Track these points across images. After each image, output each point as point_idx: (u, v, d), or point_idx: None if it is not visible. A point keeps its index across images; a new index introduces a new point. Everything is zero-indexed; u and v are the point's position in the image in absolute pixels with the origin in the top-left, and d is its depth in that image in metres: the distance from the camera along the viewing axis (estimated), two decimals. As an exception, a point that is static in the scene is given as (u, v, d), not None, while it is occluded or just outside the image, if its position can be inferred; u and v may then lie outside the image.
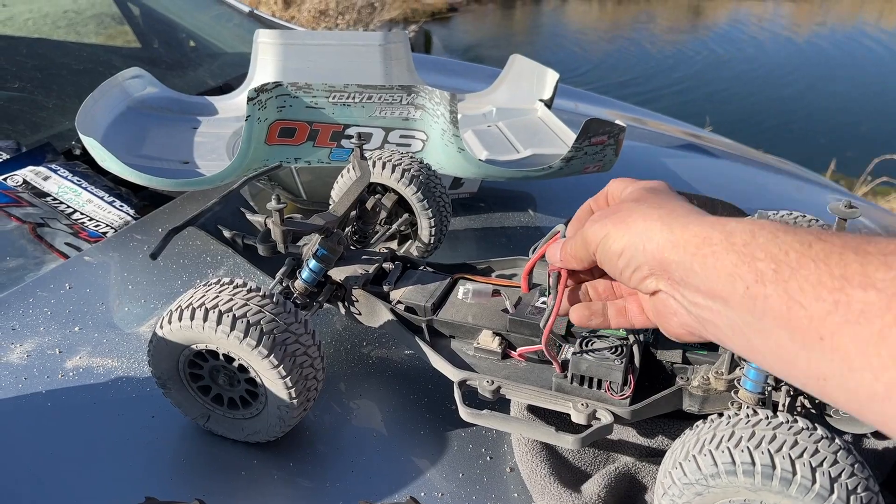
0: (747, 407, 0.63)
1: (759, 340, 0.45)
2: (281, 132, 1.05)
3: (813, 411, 0.68)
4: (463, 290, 0.79)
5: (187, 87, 1.48)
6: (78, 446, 0.74)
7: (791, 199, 1.47)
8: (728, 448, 0.55)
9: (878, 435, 0.70)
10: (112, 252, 1.02)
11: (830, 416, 0.65)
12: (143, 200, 1.15)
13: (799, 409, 0.67)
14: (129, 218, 1.08)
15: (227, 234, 0.86)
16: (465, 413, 0.68)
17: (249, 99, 0.99)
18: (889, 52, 7.01)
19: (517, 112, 1.35)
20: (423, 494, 0.71)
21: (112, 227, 1.07)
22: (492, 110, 1.35)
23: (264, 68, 1.30)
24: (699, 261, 0.48)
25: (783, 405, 0.65)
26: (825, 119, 5.32)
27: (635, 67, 6.66)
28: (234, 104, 1.33)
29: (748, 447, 0.54)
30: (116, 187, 1.13)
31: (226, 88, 1.54)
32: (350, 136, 1.07)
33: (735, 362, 0.67)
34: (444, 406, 0.81)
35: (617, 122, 1.10)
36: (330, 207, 1.01)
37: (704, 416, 0.70)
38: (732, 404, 0.66)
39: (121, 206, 1.10)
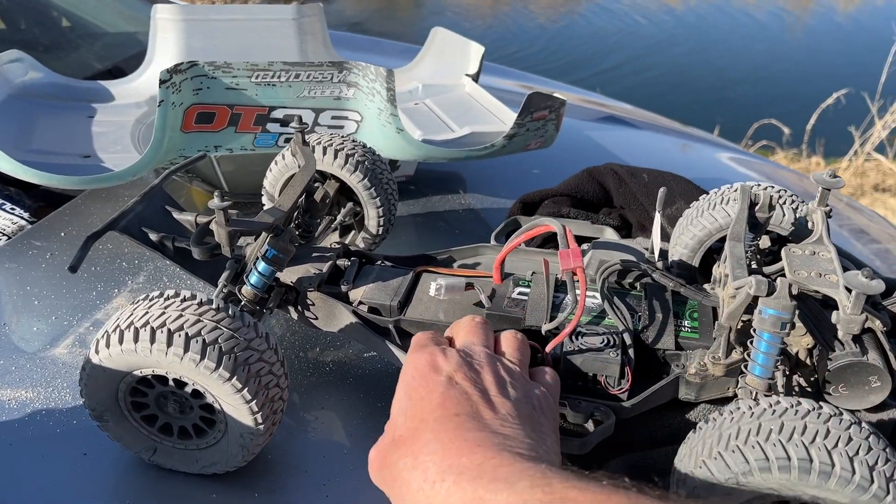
0: (756, 394, 0.60)
1: None
2: (198, 118, 0.94)
3: (809, 389, 0.65)
4: (435, 285, 0.72)
5: (71, 72, 1.32)
6: (-4, 498, 0.62)
7: (719, 168, 1.48)
8: (758, 443, 0.51)
9: (870, 410, 0.68)
10: (8, 262, 0.89)
11: (829, 395, 0.63)
12: (37, 201, 1.01)
13: (796, 388, 0.65)
14: (23, 222, 0.95)
15: (153, 236, 0.75)
16: None
17: (162, 81, 0.87)
18: (757, 22, 7.36)
19: (444, 88, 1.28)
20: (408, 514, 0.64)
21: (4, 234, 0.93)
22: (417, 87, 1.28)
23: (165, 48, 1.17)
24: None
25: (781, 386, 0.62)
26: (704, 87, 5.52)
27: (520, 39, 6.69)
28: (132, 89, 1.19)
29: (780, 440, 0.50)
30: (5, 188, 0.99)
31: (116, 72, 1.39)
32: (277, 120, 0.97)
33: (731, 345, 0.64)
34: (415, 412, 0.74)
35: (556, 95, 1.05)
36: (263, 200, 0.92)
37: (694, 404, 0.67)
38: (740, 389, 0.62)
39: (12, 209, 0.96)
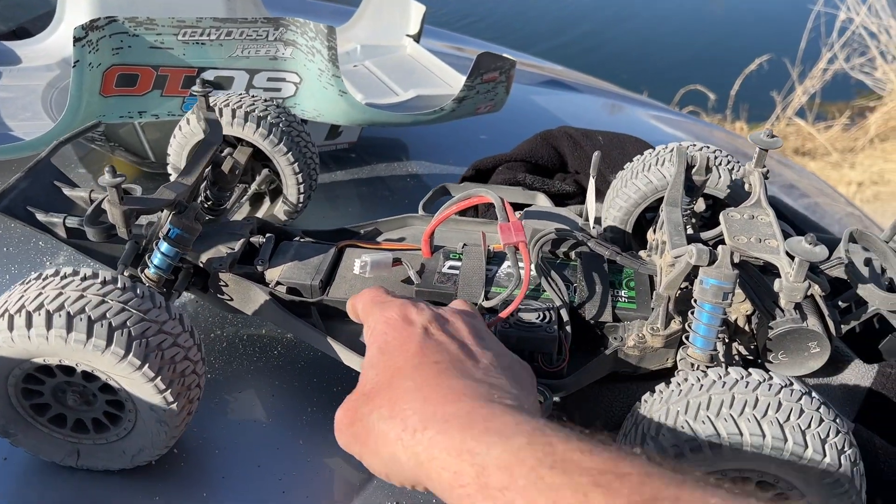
0: (698, 366, 0.57)
1: None
2: (119, 80, 0.85)
3: (749, 357, 0.63)
4: (359, 262, 0.67)
5: (-31, 34, 1.20)
6: None
7: (663, 130, 1.46)
8: (731, 416, 0.48)
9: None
10: None
11: (770, 362, 0.61)
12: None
13: (736, 356, 0.63)
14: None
15: (41, 217, 0.67)
16: None
17: (77, 39, 0.78)
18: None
19: (384, 49, 1.22)
20: (374, 506, 0.59)
21: None
22: (356, 48, 1.20)
23: (76, 4, 1.06)
24: (457, 501, 0.40)
25: (721, 355, 0.59)
26: (629, 53, 5.56)
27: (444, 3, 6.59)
28: (42, 50, 1.08)
29: (754, 416, 0.48)
30: None
31: (21, 33, 1.27)
32: (208, 82, 0.89)
33: (670, 315, 0.61)
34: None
35: (506, 56, 1.00)
36: (171, 173, 0.84)
37: (635, 377, 0.64)
38: (680, 361, 0.60)
39: None
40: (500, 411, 0.42)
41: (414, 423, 0.43)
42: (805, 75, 4.12)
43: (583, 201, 0.96)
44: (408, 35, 1.23)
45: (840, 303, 0.64)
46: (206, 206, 0.76)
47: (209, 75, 0.89)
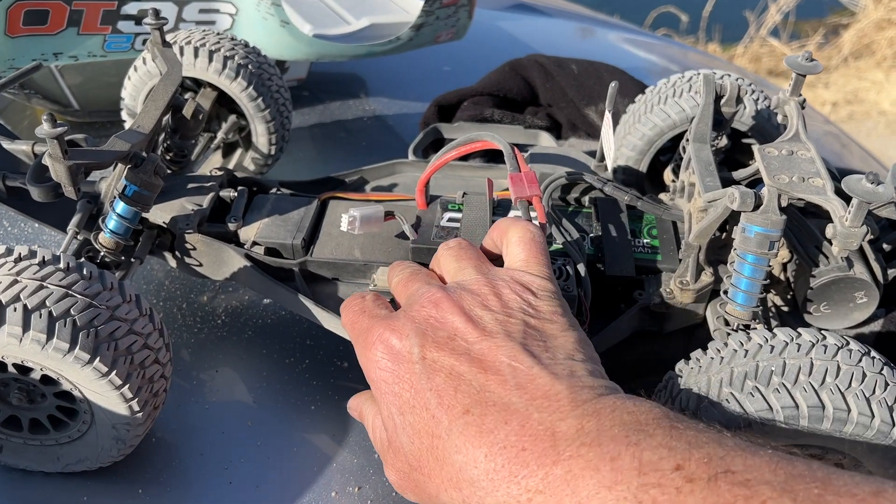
0: (741, 326, 0.51)
1: None
2: (27, 17, 0.74)
3: (785, 309, 0.57)
4: (346, 217, 0.59)
5: None
6: None
7: (627, 54, 1.37)
8: (784, 386, 0.42)
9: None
10: None
11: (810, 314, 0.55)
12: None
13: (773, 311, 0.57)
14: None
15: None
16: None
17: (-31, -30, 0.68)
18: None
19: (333, -26, 1.11)
20: (333, 494, 0.53)
21: None
22: (302, -27, 1.09)
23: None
24: None
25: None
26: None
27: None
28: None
29: (810, 384, 0.42)
30: None
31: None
32: (130, 17, 0.79)
33: (700, 266, 0.54)
34: (332, 365, 0.62)
35: (467, -24, 0.91)
36: (125, 118, 0.75)
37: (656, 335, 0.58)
38: (718, 320, 0.53)
39: None
40: (620, 433, 0.34)
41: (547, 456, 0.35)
42: (780, -8, 4.01)
43: (557, 136, 0.88)
44: (359, -43, 1.12)
45: (884, 246, 0.57)
46: (167, 157, 0.67)
47: (132, 8, 0.78)
